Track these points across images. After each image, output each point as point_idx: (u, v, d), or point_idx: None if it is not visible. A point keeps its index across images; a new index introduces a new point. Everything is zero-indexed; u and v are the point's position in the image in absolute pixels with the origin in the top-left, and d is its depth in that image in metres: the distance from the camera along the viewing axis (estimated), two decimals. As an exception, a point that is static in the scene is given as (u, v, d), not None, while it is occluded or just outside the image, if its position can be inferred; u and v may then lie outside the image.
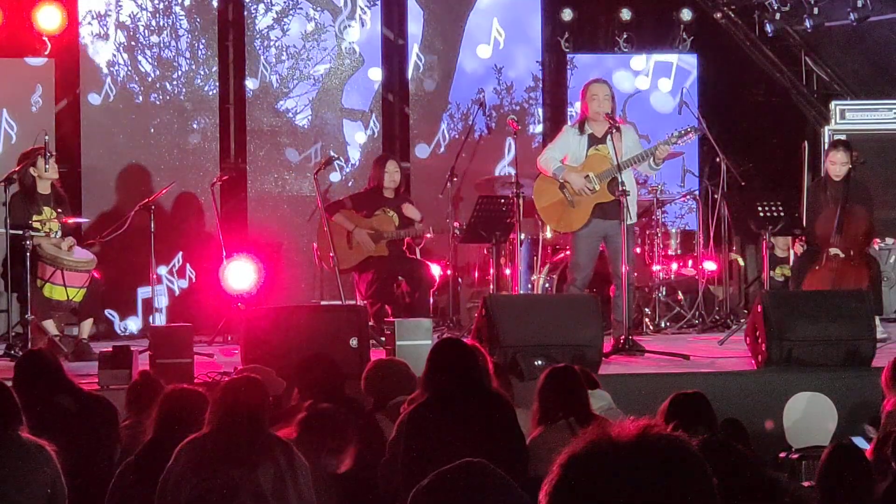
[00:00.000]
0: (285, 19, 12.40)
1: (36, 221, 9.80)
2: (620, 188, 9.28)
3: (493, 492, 3.31)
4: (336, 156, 11.67)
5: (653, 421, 2.13)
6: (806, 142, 11.78)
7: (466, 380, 5.59)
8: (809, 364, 8.48)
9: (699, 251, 11.75)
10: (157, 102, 12.10)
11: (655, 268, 11.65)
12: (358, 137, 12.51)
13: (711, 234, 11.77)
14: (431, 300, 11.02)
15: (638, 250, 11.55)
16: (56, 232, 9.94)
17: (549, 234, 11.19)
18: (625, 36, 13.03)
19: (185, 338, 8.44)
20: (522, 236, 10.84)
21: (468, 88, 12.77)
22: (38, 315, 9.60)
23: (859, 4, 12.03)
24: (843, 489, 4.86)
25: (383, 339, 9.01)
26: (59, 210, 10.10)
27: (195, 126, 12.14)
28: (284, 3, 12.38)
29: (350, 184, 12.30)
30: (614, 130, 9.33)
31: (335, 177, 12.29)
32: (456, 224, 11.10)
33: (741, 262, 11.92)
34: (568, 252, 10.14)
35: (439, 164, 12.38)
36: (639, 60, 13.11)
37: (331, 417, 5.48)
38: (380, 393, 6.70)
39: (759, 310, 8.77)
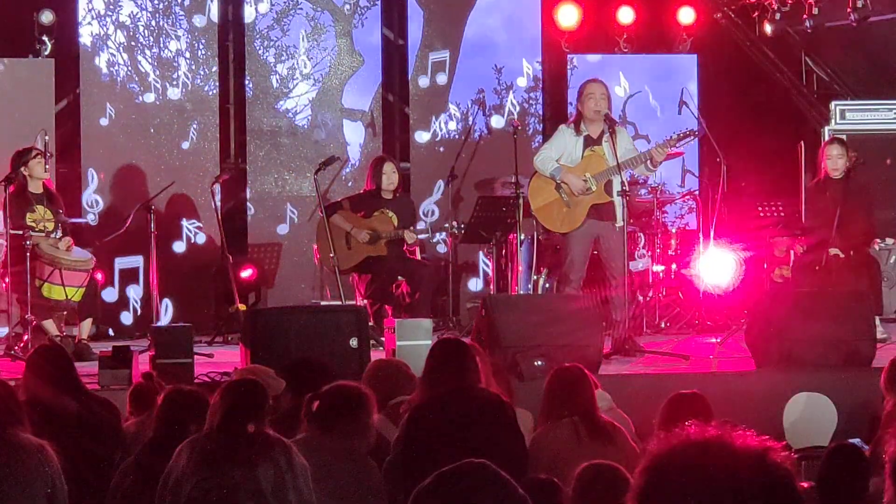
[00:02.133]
0: (285, 19, 12.40)
1: (30, 221, 9.80)
2: (622, 187, 9.28)
3: (494, 493, 3.30)
4: (337, 156, 11.67)
5: (775, 443, 2.11)
6: (803, 141, 11.76)
7: (466, 379, 5.58)
8: (809, 364, 8.48)
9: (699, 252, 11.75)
10: (157, 102, 12.10)
11: (656, 268, 11.64)
12: (358, 137, 12.53)
13: (711, 234, 11.76)
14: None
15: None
16: (55, 232, 9.95)
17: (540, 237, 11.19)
18: (625, 36, 13.03)
19: (185, 338, 8.45)
20: (522, 236, 10.85)
21: (468, 88, 12.76)
22: (38, 315, 9.61)
23: (859, 4, 12.03)
24: (843, 490, 4.86)
25: (383, 339, 9.01)
26: (60, 210, 10.11)
27: (195, 126, 12.14)
28: (284, 2, 12.37)
29: (350, 184, 12.30)
30: (611, 132, 9.32)
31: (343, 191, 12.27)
32: (454, 223, 11.10)
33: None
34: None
35: (440, 163, 12.39)
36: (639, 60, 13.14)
37: (340, 396, 5.45)
38: (380, 393, 6.70)
39: (758, 309, 8.77)
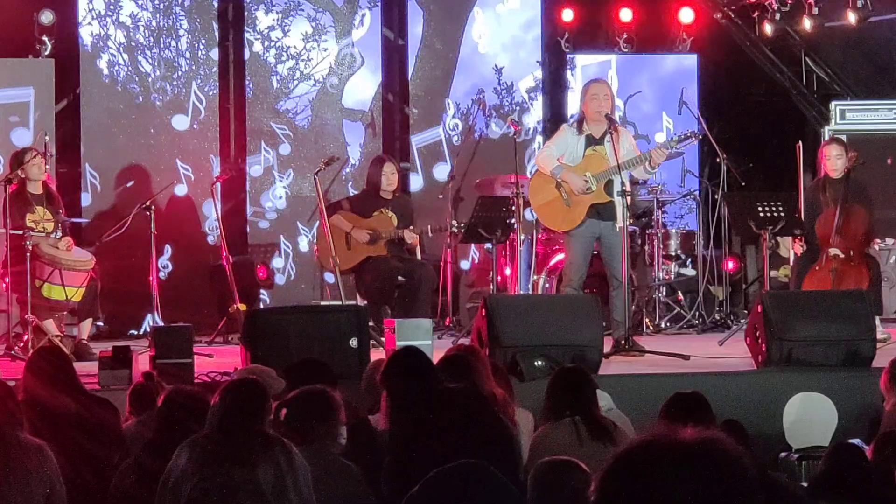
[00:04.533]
0: (286, 20, 12.40)
1: (29, 221, 9.80)
2: (621, 187, 9.28)
3: (490, 493, 3.31)
4: (337, 156, 11.67)
5: (719, 434, 2.12)
6: (801, 141, 11.76)
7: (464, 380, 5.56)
8: (809, 364, 8.47)
9: (700, 251, 11.76)
10: (157, 102, 12.10)
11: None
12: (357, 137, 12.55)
13: (711, 234, 11.77)
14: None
15: (638, 250, 11.57)
16: (55, 233, 9.94)
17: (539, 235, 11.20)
18: (625, 36, 13.03)
19: (185, 338, 8.44)
20: (522, 236, 10.85)
21: (468, 88, 12.77)
22: (38, 315, 9.60)
23: (859, 4, 12.03)
24: (843, 489, 4.86)
25: (383, 339, 9.01)
26: (60, 211, 10.11)
27: (195, 126, 12.14)
28: (285, 3, 12.38)
29: (350, 184, 12.31)
30: (612, 132, 9.32)
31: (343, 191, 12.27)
32: (454, 222, 11.10)
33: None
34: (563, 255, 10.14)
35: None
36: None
37: (308, 402, 5.41)
38: (380, 393, 6.70)
39: (759, 310, 8.76)
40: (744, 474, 2.09)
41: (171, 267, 10.36)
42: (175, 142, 12.05)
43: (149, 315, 11.46)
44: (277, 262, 12.32)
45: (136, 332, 11.64)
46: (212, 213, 11.58)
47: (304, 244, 12.34)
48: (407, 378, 5.54)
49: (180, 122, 12.09)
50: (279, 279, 12.30)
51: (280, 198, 12.37)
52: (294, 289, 12.28)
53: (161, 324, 10.09)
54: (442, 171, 12.63)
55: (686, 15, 13.05)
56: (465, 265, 12.36)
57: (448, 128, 12.72)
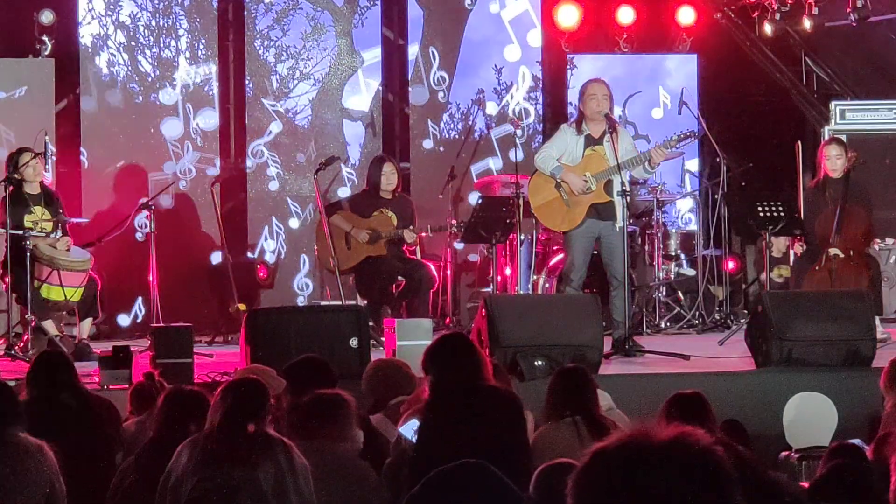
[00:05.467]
0: (285, 19, 12.40)
1: (28, 222, 9.79)
2: (621, 187, 9.28)
3: (489, 492, 3.30)
4: (337, 156, 11.67)
5: (692, 429, 2.13)
6: (800, 141, 11.76)
7: (472, 374, 5.54)
8: (809, 364, 8.48)
9: (699, 252, 11.76)
10: (157, 102, 12.10)
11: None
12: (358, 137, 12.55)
13: (711, 234, 11.76)
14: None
15: (638, 250, 11.57)
16: (55, 232, 9.93)
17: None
18: (625, 36, 13.03)
19: (185, 338, 8.44)
20: (522, 236, 10.85)
21: (468, 88, 12.77)
22: (37, 316, 9.60)
23: (859, 4, 12.03)
24: (843, 490, 4.86)
25: (383, 339, 9.02)
26: (60, 210, 10.10)
27: (195, 126, 12.14)
28: (284, 2, 12.38)
29: (350, 184, 12.31)
30: (612, 131, 9.32)
31: (343, 191, 12.23)
32: (453, 222, 11.11)
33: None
34: (563, 254, 10.14)
35: (440, 162, 12.40)
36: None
37: (319, 404, 5.42)
38: (380, 393, 6.71)
39: (759, 310, 8.77)
40: (717, 467, 2.10)
41: (149, 227, 10.30)
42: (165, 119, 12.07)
43: (139, 298, 11.50)
44: (269, 245, 12.32)
45: (126, 322, 11.66)
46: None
47: (294, 224, 12.36)
48: (449, 367, 5.51)
49: (168, 97, 12.08)
50: (270, 259, 12.30)
51: (263, 154, 12.37)
52: (283, 271, 12.28)
53: (154, 315, 10.11)
54: (419, 95, 12.63)
55: (686, 15, 13.05)
56: (458, 246, 12.30)
57: (433, 79, 12.69)
